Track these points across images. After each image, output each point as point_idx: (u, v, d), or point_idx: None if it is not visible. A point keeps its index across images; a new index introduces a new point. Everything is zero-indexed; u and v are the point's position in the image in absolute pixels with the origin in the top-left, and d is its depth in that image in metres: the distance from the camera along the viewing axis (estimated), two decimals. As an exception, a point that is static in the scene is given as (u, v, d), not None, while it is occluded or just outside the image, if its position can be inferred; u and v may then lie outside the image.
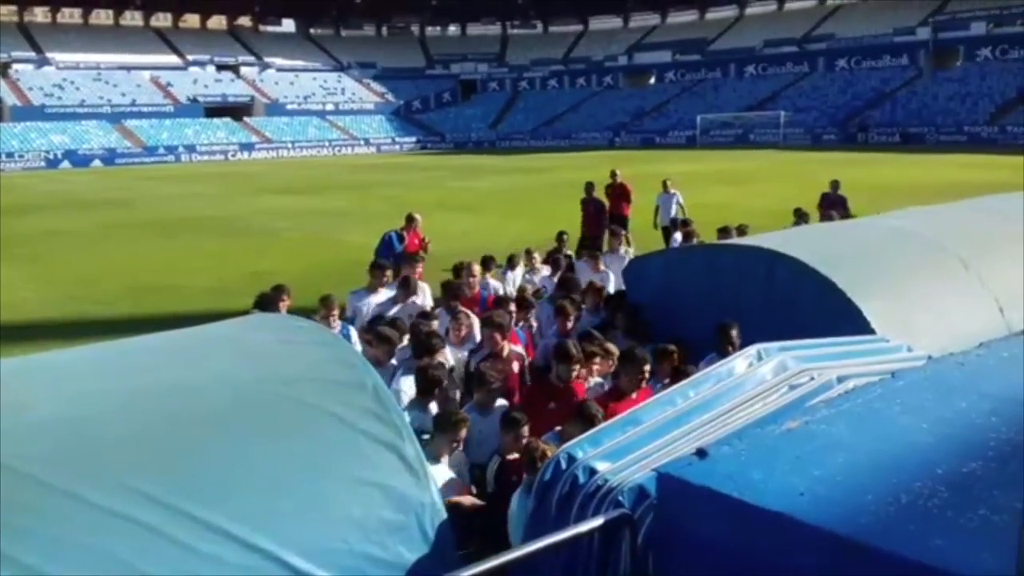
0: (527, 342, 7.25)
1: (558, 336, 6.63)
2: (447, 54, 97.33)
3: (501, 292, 9.21)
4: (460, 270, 8.88)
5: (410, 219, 11.83)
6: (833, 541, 2.34)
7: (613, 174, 16.65)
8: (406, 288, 8.24)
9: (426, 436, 4.58)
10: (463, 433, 4.61)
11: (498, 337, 6.42)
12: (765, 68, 79.42)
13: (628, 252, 11.31)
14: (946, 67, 68.74)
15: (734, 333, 5.49)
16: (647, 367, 5.20)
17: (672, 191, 16.43)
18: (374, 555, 2.81)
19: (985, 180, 26.85)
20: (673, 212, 16.07)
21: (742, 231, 10.62)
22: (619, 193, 16.30)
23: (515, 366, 6.40)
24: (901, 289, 5.65)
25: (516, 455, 4.53)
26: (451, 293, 7.85)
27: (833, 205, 13.76)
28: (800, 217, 12.48)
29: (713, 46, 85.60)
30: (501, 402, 5.52)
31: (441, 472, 4.34)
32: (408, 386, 5.69)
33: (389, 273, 8.72)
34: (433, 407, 5.38)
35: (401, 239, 11.42)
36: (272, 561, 2.60)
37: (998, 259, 6.11)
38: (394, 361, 6.32)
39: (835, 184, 14.64)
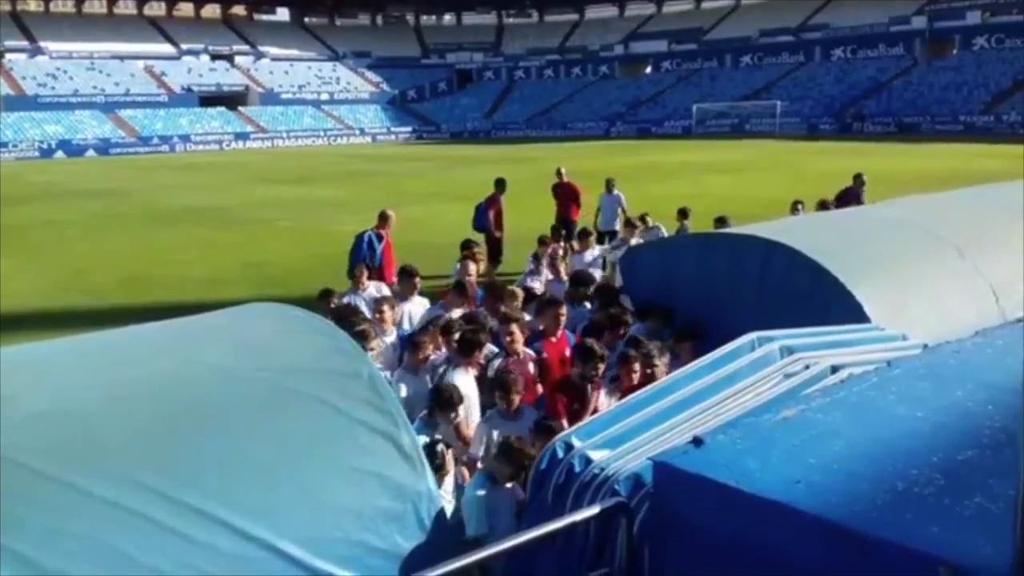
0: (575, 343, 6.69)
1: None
2: (442, 43, 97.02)
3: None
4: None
5: (384, 216, 11.26)
6: (829, 529, 2.35)
7: (559, 173, 15.17)
8: (462, 295, 7.79)
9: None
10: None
11: (517, 335, 6.21)
12: (761, 58, 79.31)
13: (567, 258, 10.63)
14: (942, 56, 68.71)
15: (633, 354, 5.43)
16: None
17: (616, 192, 14.66)
18: (371, 544, 2.81)
19: (980, 169, 26.87)
20: (617, 219, 14.20)
21: (723, 221, 10.62)
22: (566, 194, 14.95)
23: (531, 367, 6.22)
24: (896, 278, 5.65)
25: None
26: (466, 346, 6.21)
27: (844, 199, 13.26)
28: (796, 209, 12.42)
29: (709, 35, 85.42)
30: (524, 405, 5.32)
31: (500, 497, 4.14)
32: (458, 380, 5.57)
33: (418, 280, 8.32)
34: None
35: (380, 238, 10.93)
36: (269, 550, 2.60)
37: (993, 248, 6.11)
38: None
39: (859, 178, 14.07)
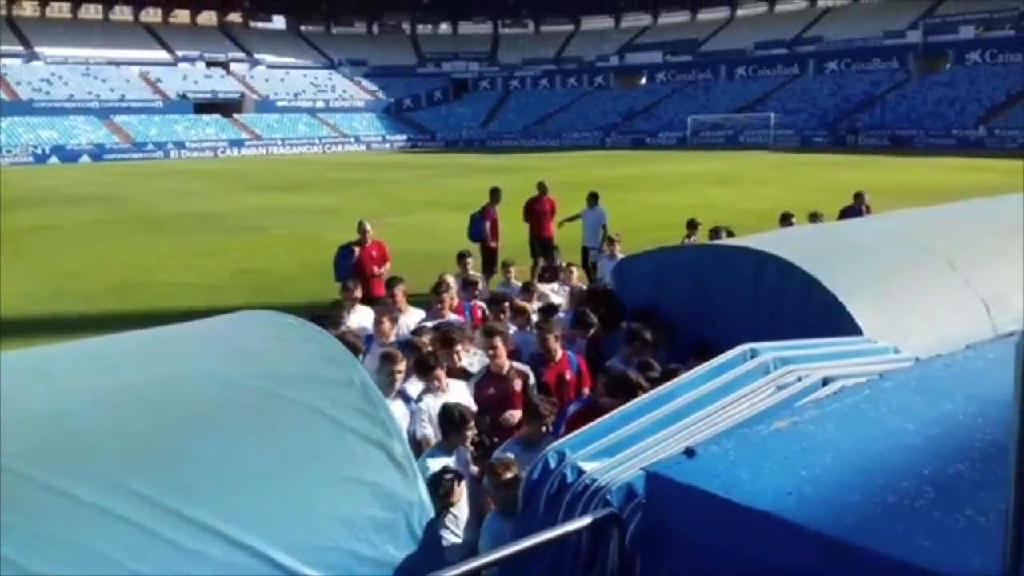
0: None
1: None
2: (438, 52, 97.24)
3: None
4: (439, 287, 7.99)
5: (360, 229, 10.88)
6: (820, 541, 2.35)
7: (542, 187, 14.52)
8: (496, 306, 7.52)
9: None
10: None
11: (500, 349, 5.97)
12: (756, 70, 79.67)
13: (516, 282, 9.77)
14: (935, 70, 69.09)
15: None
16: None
17: (601, 207, 13.99)
18: (362, 553, 2.80)
19: (973, 183, 27.01)
20: (599, 237, 13.16)
21: (729, 233, 10.54)
22: (547, 210, 14.41)
23: (517, 384, 5.95)
24: (889, 290, 5.66)
25: None
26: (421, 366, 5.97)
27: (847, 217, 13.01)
28: (785, 221, 12.29)
29: (704, 47, 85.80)
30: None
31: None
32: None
33: (397, 290, 8.04)
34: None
35: (352, 252, 10.63)
36: (259, 558, 2.58)
37: (985, 261, 6.13)
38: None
39: (859, 197, 13.38)
